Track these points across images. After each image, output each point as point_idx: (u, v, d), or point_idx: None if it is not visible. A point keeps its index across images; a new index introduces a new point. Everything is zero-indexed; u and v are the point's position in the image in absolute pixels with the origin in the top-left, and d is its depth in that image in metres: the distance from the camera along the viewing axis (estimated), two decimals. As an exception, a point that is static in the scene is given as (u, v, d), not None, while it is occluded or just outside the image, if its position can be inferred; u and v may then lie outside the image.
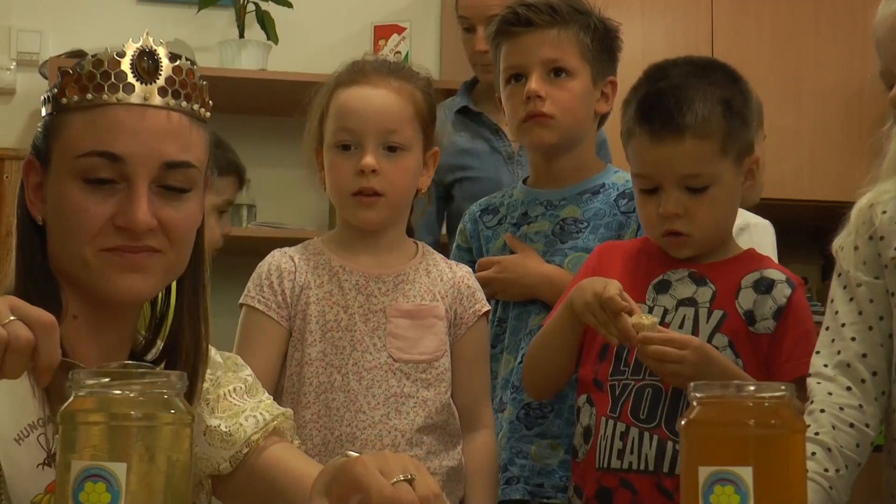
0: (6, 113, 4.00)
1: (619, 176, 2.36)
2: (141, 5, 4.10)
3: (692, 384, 1.27)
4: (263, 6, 3.91)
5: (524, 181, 2.44)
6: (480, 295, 2.09)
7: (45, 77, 3.78)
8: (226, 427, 1.55)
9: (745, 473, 1.20)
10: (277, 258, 2.03)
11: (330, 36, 4.15)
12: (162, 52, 1.45)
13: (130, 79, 1.43)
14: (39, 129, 1.49)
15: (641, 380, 1.99)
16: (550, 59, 2.27)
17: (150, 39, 1.45)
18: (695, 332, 1.99)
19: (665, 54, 2.09)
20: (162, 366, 1.49)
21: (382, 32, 4.11)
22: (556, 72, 2.28)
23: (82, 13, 4.05)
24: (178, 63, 1.46)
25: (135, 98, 1.43)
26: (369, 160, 1.95)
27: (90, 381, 1.12)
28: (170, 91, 1.45)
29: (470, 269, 2.14)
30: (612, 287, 1.91)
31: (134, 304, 1.51)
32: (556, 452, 2.22)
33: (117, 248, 1.43)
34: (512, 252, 2.34)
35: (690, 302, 2.02)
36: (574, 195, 2.34)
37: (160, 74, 1.44)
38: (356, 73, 1.99)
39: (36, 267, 1.45)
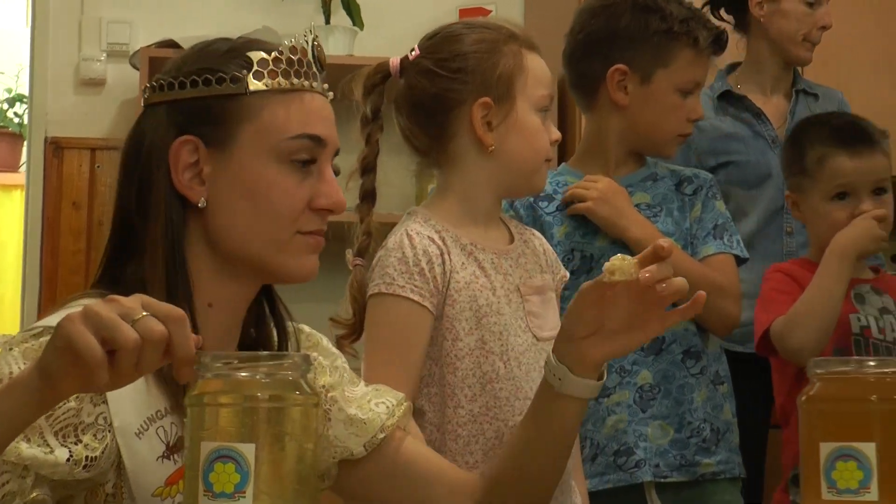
0: (97, 104, 4.00)
1: (663, 166, 2.37)
2: (229, -6, 4.13)
3: (811, 360, 1.27)
4: (348, -9, 3.93)
5: (567, 164, 2.38)
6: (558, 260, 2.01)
7: (136, 68, 3.79)
8: (363, 415, 1.57)
9: (868, 449, 1.19)
10: (424, 242, 1.82)
11: (415, 19, 4.12)
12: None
13: (314, 68, 1.51)
14: (210, 112, 1.47)
15: None
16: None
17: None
18: None
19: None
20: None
21: (467, 15, 4.09)
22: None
23: (171, 3, 4.07)
24: None
25: (319, 86, 1.52)
26: (558, 134, 1.90)
27: (217, 364, 1.13)
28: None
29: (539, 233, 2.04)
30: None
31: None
32: (667, 433, 2.22)
33: (313, 232, 1.49)
34: (577, 237, 2.27)
35: None
36: (638, 181, 2.33)
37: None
38: (529, 38, 1.90)
39: (176, 251, 1.44)
